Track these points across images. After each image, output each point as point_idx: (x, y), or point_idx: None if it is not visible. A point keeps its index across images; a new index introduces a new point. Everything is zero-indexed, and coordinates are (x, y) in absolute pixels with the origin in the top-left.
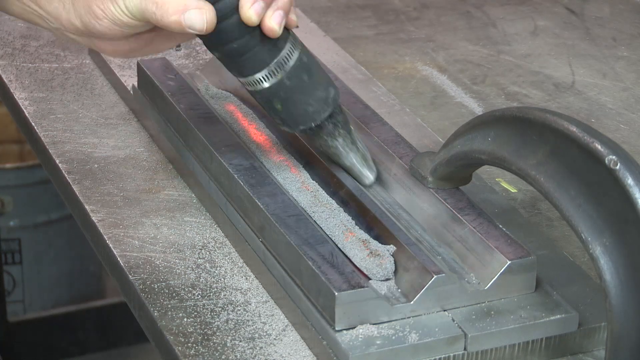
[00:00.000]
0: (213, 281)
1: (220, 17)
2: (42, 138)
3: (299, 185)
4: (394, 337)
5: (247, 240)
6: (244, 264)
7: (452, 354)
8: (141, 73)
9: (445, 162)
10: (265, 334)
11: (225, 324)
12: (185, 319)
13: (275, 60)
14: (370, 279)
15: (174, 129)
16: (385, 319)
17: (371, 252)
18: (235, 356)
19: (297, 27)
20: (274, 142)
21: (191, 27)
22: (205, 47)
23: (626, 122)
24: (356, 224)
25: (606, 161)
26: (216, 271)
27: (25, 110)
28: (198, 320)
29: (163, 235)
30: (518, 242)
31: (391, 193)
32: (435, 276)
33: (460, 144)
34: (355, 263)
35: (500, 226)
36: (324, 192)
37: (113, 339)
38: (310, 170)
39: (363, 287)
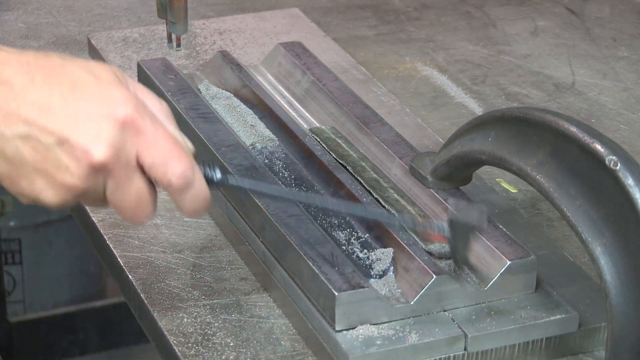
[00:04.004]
0: (213, 281)
1: None
2: None
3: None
4: (394, 338)
5: (247, 240)
6: (244, 264)
7: (452, 354)
8: (141, 73)
9: (446, 162)
10: (265, 334)
11: (225, 324)
12: (185, 319)
13: None
14: (371, 271)
15: None
16: (386, 319)
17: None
18: (235, 356)
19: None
20: (273, 142)
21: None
22: (205, 47)
23: (626, 122)
24: (356, 225)
25: (606, 161)
26: (216, 271)
27: None
28: (198, 320)
29: (163, 235)
30: (518, 242)
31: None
32: (435, 276)
33: (461, 144)
34: (354, 255)
35: (501, 226)
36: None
37: (113, 339)
38: (310, 170)
39: (363, 287)
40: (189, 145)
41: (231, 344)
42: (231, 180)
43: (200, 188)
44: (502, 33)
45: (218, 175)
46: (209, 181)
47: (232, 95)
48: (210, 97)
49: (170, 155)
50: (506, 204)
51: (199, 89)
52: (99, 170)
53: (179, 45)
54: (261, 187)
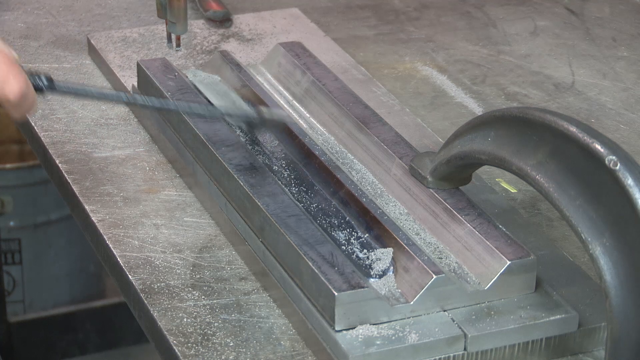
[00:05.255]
0: (213, 281)
1: None
2: (42, 138)
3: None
4: (394, 337)
5: (247, 240)
6: (244, 264)
7: (452, 354)
8: (141, 73)
9: (446, 162)
10: (265, 334)
11: (225, 324)
12: (185, 319)
13: None
14: (370, 271)
15: (174, 129)
16: (385, 319)
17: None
18: (235, 356)
19: None
20: (273, 141)
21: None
22: (205, 47)
23: (626, 122)
24: (356, 225)
25: (606, 161)
26: (216, 271)
27: None
28: (198, 320)
29: (163, 235)
30: (518, 242)
31: (391, 193)
32: (435, 276)
33: (461, 144)
34: (354, 255)
35: (500, 226)
36: (321, 188)
37: (113, 339)
38: (309, 170)
39: (363, 287)
40: (14, 54)
41: (231, 344)
42: (57, 86)
43: (31, 98)
44: (502, 33)
45: (45, 82)
46: (38, 89)
47: (219, 79)
48: (198, 82)
49: (7, 74)
50: (506, 204)
51: (186, 76)
52: None
53: (178, 45)
54: (85, 92)
